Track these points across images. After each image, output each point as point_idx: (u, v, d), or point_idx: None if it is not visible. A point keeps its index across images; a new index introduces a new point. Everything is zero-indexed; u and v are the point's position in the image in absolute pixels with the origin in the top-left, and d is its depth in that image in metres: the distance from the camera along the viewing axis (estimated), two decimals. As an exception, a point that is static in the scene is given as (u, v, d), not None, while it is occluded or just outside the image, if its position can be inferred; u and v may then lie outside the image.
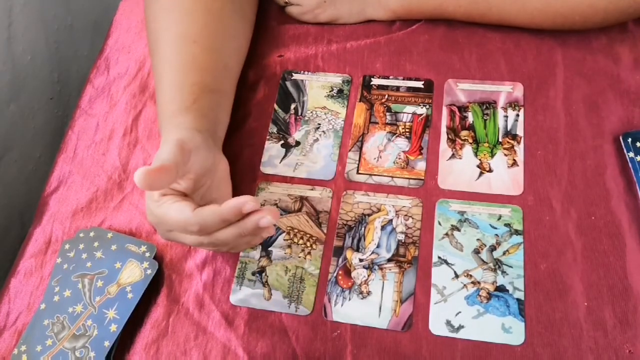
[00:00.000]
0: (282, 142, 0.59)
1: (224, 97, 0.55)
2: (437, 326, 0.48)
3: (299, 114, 0.61)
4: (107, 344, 0.48)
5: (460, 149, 0.56)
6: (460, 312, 0.48)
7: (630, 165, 0.52)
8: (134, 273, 0.52)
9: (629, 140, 0.53)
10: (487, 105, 0.58)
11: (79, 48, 0.92)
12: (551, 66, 0.59)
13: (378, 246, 0.52)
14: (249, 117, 0.61)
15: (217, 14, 0.56)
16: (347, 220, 0.54)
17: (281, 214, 0.55)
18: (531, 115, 0.57)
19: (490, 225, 0.52)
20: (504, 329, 0.47)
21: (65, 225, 0.58)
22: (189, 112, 0.50)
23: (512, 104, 0.58)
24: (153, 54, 0.56)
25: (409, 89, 0.60)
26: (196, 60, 0.53)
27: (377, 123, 0.59)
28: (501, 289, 0.49)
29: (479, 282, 0.49)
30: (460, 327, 0.48)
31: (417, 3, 0.61)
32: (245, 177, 0.57)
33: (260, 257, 0.53)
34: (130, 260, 0.52)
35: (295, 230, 0.54)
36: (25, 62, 0.80)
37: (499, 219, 0.52)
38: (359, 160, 0.57)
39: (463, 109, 0.58)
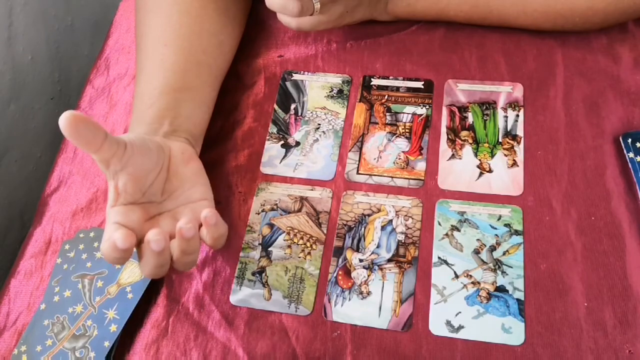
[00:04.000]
0: (282, 142, 0.59)
1: (193, 93, 0.55)
2: (437, 326, 0.48)
3: (299, 114, 0.61)
4: (107, 344, 0.48)
5: (460, 149, 0.56)
6: (460, 312, 0.48)
7: (630, 165, 0.52)
8: (134, 273, 0.52)
9: (629, 140, 0.53)
10: (487, 106, 0.58)
11: (79, 48, 0.92)
12: (551, 66, 0.59)
13: (378, 246, 0.52)
14: (249, 117, 0.61)
15: (195, 13, 0.57)
16: (347, 221, 0.54)
17: (281, 214, 0.55)
18: (531, 115, 0.57)
19: (490, 225, 0.52)
20: (504, 329, 0.47)
21: (65, 226, 0.58)
22: (144, 118, 0.51)
23: (512, 104, 0.58)
24: (136, 59, 0.58)
25: (409, 89, 0.60)
26: (164, 62, 0.54)
27: (377, 123, 0.59)
28: (501, 289, 0.49)
29: (479, 283, 0.49)
30: (460, 327, 0.48)
31: (421, 9, 0.60)
32: (245, 177, 0.57)
33: (260, 257, 0.53)
34: (130, 260, 0.52)
35: (295, 231, 0.54)
36: (26, 62, 0.80)
37: (499, 219, 0.52)
38: (359, 160, 0.57)
39: (463, 109, 0.58)
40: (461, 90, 0.60)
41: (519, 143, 0.56)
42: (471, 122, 0.57)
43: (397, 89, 0.61)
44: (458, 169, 0.55)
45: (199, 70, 0.56)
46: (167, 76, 0.54)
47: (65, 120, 0.38)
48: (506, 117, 0.57)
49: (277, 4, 0.52)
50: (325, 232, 0.53)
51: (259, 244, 0.54)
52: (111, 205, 0.45)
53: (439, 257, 0.51)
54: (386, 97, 0.60)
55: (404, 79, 0.61)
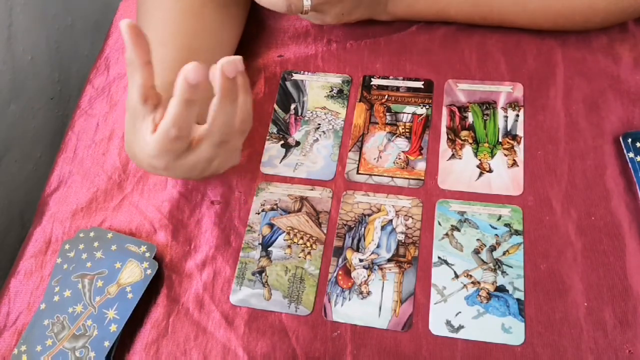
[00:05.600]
0: (282, 142, 0.59)
1: None
2: (437, 326, 0.48)
3: (299, 114, 0.61)
4: (107, 344, 0.48)
5: (460, 149, 0.56)
6: (460, 312, 0.48)
7: (630, 165, 0.52)
8: (134, 273, 0.52)
9: (629, 140, 0.53)
10: (487, 106, 0.58)
11: (79, 48, 0.92)
12: (551, 66, 0.59)
13: (378, 246, 0.52)
14: (249, 117, 0.61)
15: (195, 12, 0.57)
16: (347, 221, 0.54)
17: (281, 214, 0.55)
18: (531, 115, 0.57)
19: (490, 225, 0.52)
20: (504, 329, 0.47)
21: (65, 225, 0.58)
22: None
23: (512, 104, 0.58)
24: None
25: (409, 89, 0.60)
26: (164, 61, 0.54)
27: (377, 123, 0.59)
28: (501, 289, 0.49)
29: (479, 282, 0.49)
30: (460, 327, 0.48)
31: (421, 8, 0.60)
32: (245, 177, 0.57)
33: (260, 257, 0.53)
34: (130, 260, 0.52)
35: (295, 231, 0.54)
36: (26, 62, 0.80)
37: (499, 219, 0.52)
38: (359, 160, 0.57)
39: (463, 109, 0.58)
40: (461, 90, 0.60)
41: (519, 143, 0.56)
42: (471, 122, 0.57)
43: (397, 88, 0.61)
44: (458, 169, 0.55)
45: None
46: (168, 75, 0.53)
47: (125, 25, 0.40)
48: (506, 117, 0.57)
49: (266, 2, 0.53)
50: (325, 232, 0.53)
51: (259, 243, 0.54)
52: None
53: (439, 257, 0.51)
54: (386, 97, 0.60)
55: (404, 79, 0.61)
